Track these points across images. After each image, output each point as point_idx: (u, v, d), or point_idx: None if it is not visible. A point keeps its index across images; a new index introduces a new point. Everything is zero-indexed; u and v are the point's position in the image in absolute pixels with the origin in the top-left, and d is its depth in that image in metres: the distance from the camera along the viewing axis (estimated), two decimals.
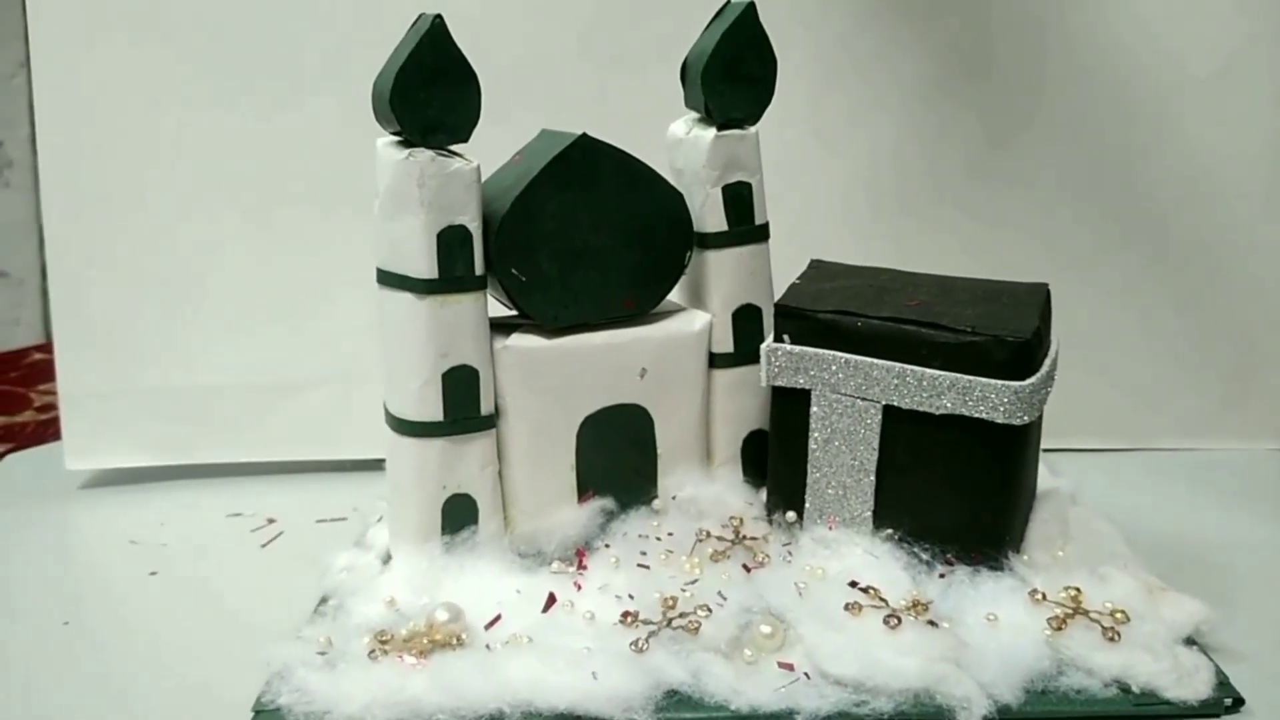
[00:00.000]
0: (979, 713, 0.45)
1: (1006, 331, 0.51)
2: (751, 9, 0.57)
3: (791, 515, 0.57)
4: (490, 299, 0.55)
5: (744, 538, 0.56)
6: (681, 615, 0.50)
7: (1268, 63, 0.71)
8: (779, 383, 0.55)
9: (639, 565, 0.54)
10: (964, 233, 0.74)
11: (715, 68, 0.57)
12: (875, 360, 0.53)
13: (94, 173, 0.72)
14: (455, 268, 0.53)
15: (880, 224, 0.74)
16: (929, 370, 0.51)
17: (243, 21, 0.71)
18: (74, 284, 0.73)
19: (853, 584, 0.51)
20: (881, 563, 0.52)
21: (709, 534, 0.56)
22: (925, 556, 0.53)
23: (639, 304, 0.58)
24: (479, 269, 0.54)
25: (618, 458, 0.58)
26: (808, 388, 0.55)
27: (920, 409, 0.52)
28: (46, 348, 0.98)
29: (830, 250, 0.62)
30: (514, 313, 0.57)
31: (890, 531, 0.54)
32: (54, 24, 0.70)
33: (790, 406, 0.56)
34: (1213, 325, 0.75)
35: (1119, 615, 0.49)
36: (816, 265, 0.60)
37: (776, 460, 0.57)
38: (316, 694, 0.47)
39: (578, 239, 0.55)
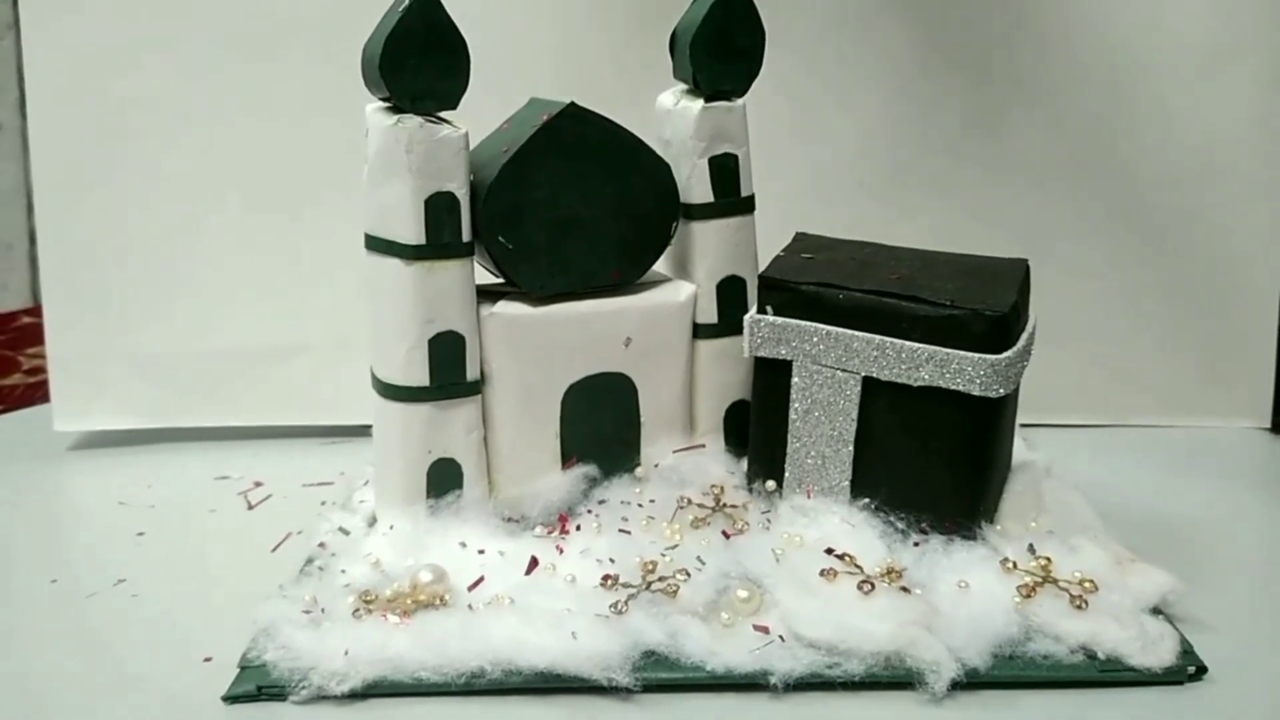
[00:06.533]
0: (947, 676, 0.46)
1: (984, 305, 0.51)
2: None
3: (771, 484, 0.57)
4: (478, 267, 0.56)
5: (724, 505, 0.57)
6: (661, 579, 0.51)
7: (1253, 44, 0.72)
8: (761, 353, 0.56)
9: (620, 531, 0.55)
10: (948, 207, 0.75)
11: (703, 39, 0.57)
12: (855, 332, 0.53)
13: (84, 137, 0.72)
14: (442, 234, 0.53)
15: (865, 197, 0.75)
16: (908, 343, 0.52)
17: None
18: (63, 248, 0.73)
19: (829, 551, 0.52)
20: (858, 531, 0.53)
21: (690, 501, 0.57)
22: (900, 525, 0.54)
23: (625, 274, 0.58)
24: (466, 236, 0.54)
25: (602, 425, 0.59)
26: (789, 359, 0.55)
27: (899, 381, 0.53)
28: (35, 311, 0.99)
29: (815, 223, 0.62)
30: (501, 280, 0.57)
31: (867, 500, 0.55)
32: None
33: (772, 377, 0.56)
34: (1192, 304, 0.76)
35: (1087, 585, 0.50)
36: (801, 238, 0.61)
37: (757, 430, 0.58)
38: (301, 650, 0.48)
39: (565, 208, 0.56)
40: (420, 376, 0.54)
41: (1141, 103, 0.73)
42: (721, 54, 0.57)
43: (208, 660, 0.50)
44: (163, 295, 0.74)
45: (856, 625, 0.48)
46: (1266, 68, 0.72)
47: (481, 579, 0.52)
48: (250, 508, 0.66)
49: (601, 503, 0.58)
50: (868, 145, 0.75)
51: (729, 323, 0.60)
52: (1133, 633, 0.48)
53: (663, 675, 0.47)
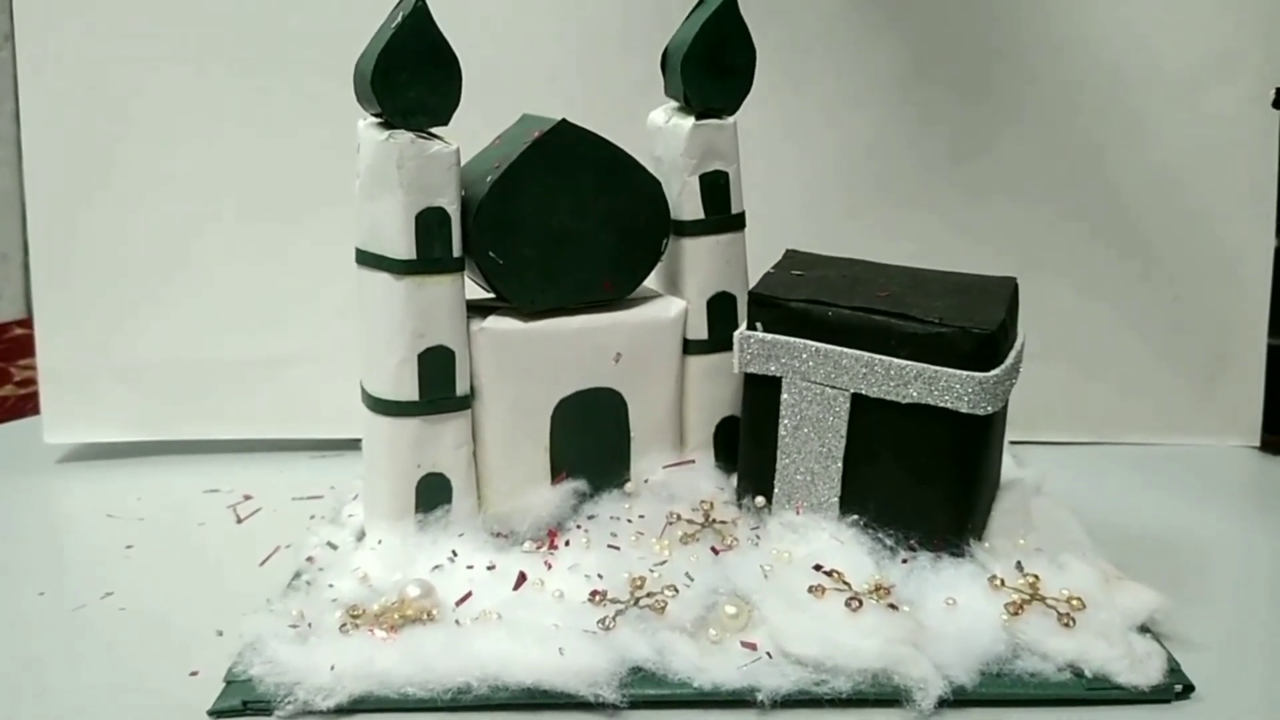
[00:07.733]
0: (934, 693, 0.46)
1: (973, 323, 0.52)
2: (732, 0, 0.58)
3: (760, 500, 0.58)
4: (468, 281, 0.56)
5: (714, 521, 0.57)
6: (649, 595, 0.51)
7: (1244, 61, 0.72)
8: (751, 370, 0.56)
9: (609, 546, 0.55)
10: (937, 224, 0.75)
11: (695, 57, 0.57)
12: (845, 349, 0.54)
13: (77, 148, 0.72)
14: (433, 249, 0.53)
15: (856, 214, 0.75)
16: (896, 360, 0.52)
17: None
18: (55, 259, 0.73)
19: (817, 567, 0.52)
20: (846, 547, 0.53)
21: (679, 517, 0.57)
22: (889, 542, 0.54)
23: (616, 289, 0.58)
24: (457, 251, 0.54)
25: (591, 441, 0.59)
26: (779, 375, 0.56)
27: (887, 398, 0.53)
28: (28, 323, 0.98)
29: (805, 240, 0.63)
30: (491, 295, 0.58)
31: (856, 517, 0.55)
32: None
33: (762, 393, 0.56)
34: (1181, 322, 0.76)
35: (1075, 602, 0.50)
36: (791, 255, 0.61)
37: (747, 446, 0.58)
38: (288, 665, 0.47)
39: (556, 224, 0.56)
40: (410, 391, 0.54)
41: (1131, 121, 0.74)
42: (713, 72, 0.58)
43: (194, 674, 0.49)
44: (154, 308, 0.74)
45: (844, 642, 0.48)
46: (1256, 87, 0.72)
47: (469, 594, 0.52)
48: (239, 521, 0.66)
49: (591, 518, 0.58)
50: (858, 163, 0.75)
51: (719, 339, 0.60)
52: (1120, 651, 0.48)
53: (650, 691, 0.47)
